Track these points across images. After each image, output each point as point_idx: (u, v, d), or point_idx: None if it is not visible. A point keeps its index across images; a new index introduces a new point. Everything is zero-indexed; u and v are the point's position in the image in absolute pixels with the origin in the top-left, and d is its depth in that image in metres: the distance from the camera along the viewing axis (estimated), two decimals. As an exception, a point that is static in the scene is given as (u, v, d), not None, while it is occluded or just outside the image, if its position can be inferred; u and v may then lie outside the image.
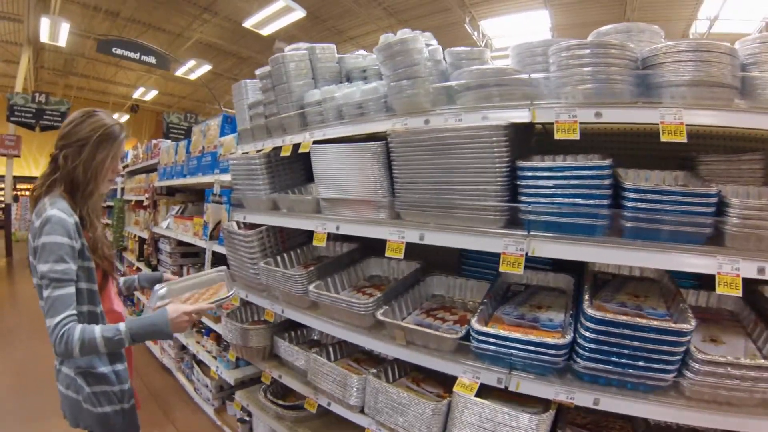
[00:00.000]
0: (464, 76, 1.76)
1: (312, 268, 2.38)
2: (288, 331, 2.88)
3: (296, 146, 2.39)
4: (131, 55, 11.38)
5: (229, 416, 3.79)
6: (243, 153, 2.96)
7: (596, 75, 1.48)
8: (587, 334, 1.48)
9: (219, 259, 3.68)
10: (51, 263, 1.58)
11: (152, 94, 18.70)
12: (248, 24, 11.26)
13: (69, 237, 1.62)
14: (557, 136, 1.52)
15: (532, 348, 1.56)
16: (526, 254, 1.58)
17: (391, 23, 12.17)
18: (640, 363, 1.43)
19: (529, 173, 1.60)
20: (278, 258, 2.66)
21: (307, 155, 2.29)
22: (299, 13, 10.32)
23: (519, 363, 1.60)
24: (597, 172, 1.50)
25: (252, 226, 2.81)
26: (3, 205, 14.39)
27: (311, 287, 2.24)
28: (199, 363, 4.26)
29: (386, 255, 1.89)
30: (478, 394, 1.67)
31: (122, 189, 7.36)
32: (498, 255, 2.12)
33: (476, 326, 1.66)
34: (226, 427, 3.73)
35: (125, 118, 20.53)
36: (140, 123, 20.48)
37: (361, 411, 2.09)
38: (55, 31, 11.51)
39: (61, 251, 1.59)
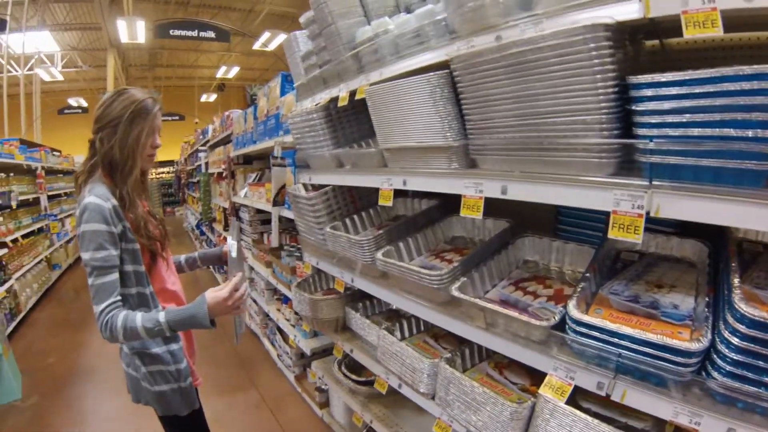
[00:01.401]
0: None
1: (380, 231, 2.02)
2: (363, 300, 2.58)
3: (353, 93, 2.01)
4: (189, 33, 11.39)
5: (308, 383, 3.73)
6: (302, 109, 2.62)
7: None
8: (734, 340, 0.97)
9: (292, 226, 3.51)
10: (91, 251, 1.55)
11: (234, 70, 19.11)
12: None
13: (107, 223, 1.57)
14: (687, 33, 0.97)
15: (651, 351, 1.08)
16: (647, 214, 1.07)
17: None
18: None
19: (650, 92, 1.06)
20: (347, 221, 2.34)
21: (373, 102, 1.92)
22: None
23: (629, 366, 1.13)
24: (758, 84, 0.92)
25: (320, 187, 2.52)
26: None
27: (379, 254, 1.89)
28: (280, 330, 4.20)
29: (461, 213, 1.47)
30: (570, 395, 1.24)
31: (206, 163, 7.51)
32: (604, 213, 1.65)
33: (575, 313, 1.21)
34: (305, 395, 3.67)
35: (213, 97, 21.49)
36: (228, 100, 21.15)
37: (433, 398, 1.75)
38: (133, 31, 11.93)
39: (99, 238, 1.56)
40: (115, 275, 1.60)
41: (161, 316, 1.56)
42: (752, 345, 0.95)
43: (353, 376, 2.64)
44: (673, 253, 1.56)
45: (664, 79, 1.05)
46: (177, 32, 11.18)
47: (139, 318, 1.55)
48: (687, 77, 1.02)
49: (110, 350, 5.06)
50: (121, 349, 1.80)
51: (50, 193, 9.41)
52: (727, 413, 0.99)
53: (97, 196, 1.59)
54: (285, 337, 4.01)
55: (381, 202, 1.89)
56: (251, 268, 5.05)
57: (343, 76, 2.16)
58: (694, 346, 1.02)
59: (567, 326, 1.25)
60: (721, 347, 1.01)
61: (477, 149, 1.47)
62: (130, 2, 11.91)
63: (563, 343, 1.28)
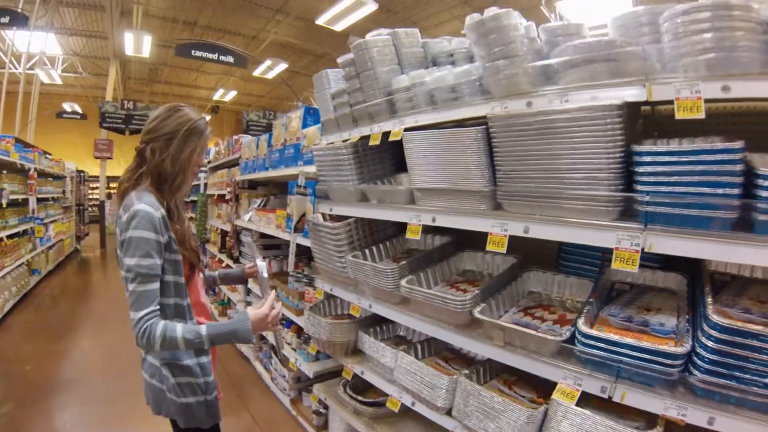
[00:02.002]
0: (568, 52, 1.58)
1: (403, 262, 2.29)
2: (373, 326, 2.82)
3: (386, 135, 2.31)
4: (210, 56, 11.80)
5: (304, 407, 3.84)
6: (328, 143, 2.91)
7: (720, 42, 1.26)
8: (709, 343, 1.29)
9: (303, 252, 3.74)
10: (138, 258, 1.60)
11: (231, 94, 19.63)
12: (321, 21, 11.39)
13: (155, 232, 1.63)
14: (679, 115, 1.32)
15: (646, 356, 1.39)
16: (642, 250, 1.41)
17: (465, 11, 11.92)
18: None
19: (648, 158, 1.41)
20: (366, 251, 2.59)
21: (396, 144, 2.21)
22: (371, 6, 10.27)
23: (627, 371, 1.43)
24: (727, 155, 1.29)
25: (338, 218, 2.77)
26: (98, 202, 15.91)
27: (403, 282, 2.15)
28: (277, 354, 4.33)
29: (487, 249, 1.76)
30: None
31: (205, 184, 7.69)
32: (600, 250, 1.98)
33: (583, 328, 1.52)
34: (300, 418, 3.78)
35: (207, 118, 21.66)
36: (221, 123, 21.54)
37: (448, 413, 1.98)
38: (139, 45, 12.50)
39: (147, 246, 1.61)
40: (157, 284, 1.65)
41: (203, 329, 1.62)
42: (724, 347, 1.27)
43: (359, 397, 2.84)
44: (658, 284, 1.92)
45: (659, 150, 1.41)
46: (198, 53, 11.58)
47: (179, 329, 1.60)
48: (676, 149, 1.39)
49: (90, 362, 5.21)
50: (145, 360, 1.83)
51: (39, 196, 9.41)
52: (707, 405, 1.30)
53: (148, 204, 1.65)
54: (283, 361, 4.15)
55: (408, 236, 2.16)
56: (248, 291, 5.21)
57: (375, 118, 2.45)
58: (680, 350, 1.35)
59: (576, 340, 1.55)
60: (700, 350, 1.32)
61: (504, 194, 1.78)
62: (140, 17, 12.32)
63: (570, 355, 1.58)
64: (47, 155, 10.99)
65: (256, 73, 15.45)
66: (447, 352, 2.40)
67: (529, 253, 2.27)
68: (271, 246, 4.95)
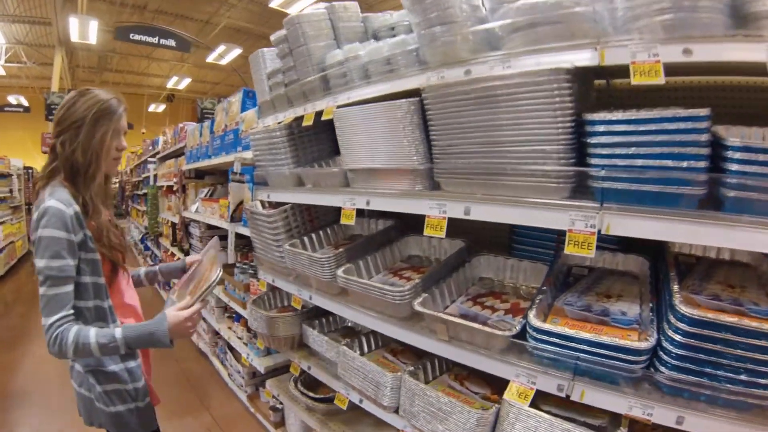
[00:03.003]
0: (510, 14, 1.36)
1: (341, 249, 2.07)
2: (319, 318, 2.60)
3: (319, 114, 2.07)
4: (150, 39, 11.19)
5: (262, 403, 3.66)
6: (264, 126, 2.66)
7: (679, 2, 1.08)
8: (677, 337, 1.12)
9: (246, 242, 3.48)
10: (47, 259, 1.46)
11: (186, 82, 18.85)
12: (275, 4, 11.02)
13: (66, 230, 1.48)
14: (635, 80, 1.13)
15: (606, 352, 1.21)
16: (599, 232, 1.21)
17: None
18: (743, 376, 1.07)
19: (602, 128, 1.21)
20: (305, 239, 2.36)
21: (333, 124, 1.98)
22: None
23: (586, 368, 1.25)
24: (692, 124, 1.10)
25: (277, 205, 2.52)
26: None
27: (339, 272, 1.94)
28: (232, 349, 4.11)
29: (425, 233, 1.55)
30: (531, 401, 1.35)
31: (155, 176, 7.31)
32: (555, 232, 1.75)
33: (535, 323, 1.32)
34: (259, 415, 3.59)
35: (162, 107, 20.92)
36: (177, 111, 20.74)
37: (396, 411, 1.79)
38: (85, 30, 11.66)
39: (57, 246, 1.47)
40: (70, 287, 1.51)
41: (118, 332, 1.48)
42: (693, 341, 1.10)
43: (311, 394, 2.64)
44: (618, 267, 1.73)
45: (614, 118, 1.21)
46: (137, 37, 10.97)
47: (93, 333, 1.46)
48: (633, 117, 1.18)
49: (46, 371, 4.79)
50: (72, 368, 1.69)
51: None
52: (675, 403, 1.14)
53: (59, 200, 1.50)
54: (237, 356, 3.92)
55: (343, 221, 1.94)
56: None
57: (310, 97, 2.21)
58: (643, 345, 1.17)
59: (528, 334, 1.36)
60: (666, 344, 1.15)
61: (441, 172, 1.56)
62: (85, 1, 11.51)
63: (524, 351, 1.39)
64: None
65: (210, 59, 14.90)
66: (396, 344, 2.18)
67: (480, 237, 2.07)
68: (220, 237, 4.65)
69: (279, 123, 2.43)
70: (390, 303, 1.71)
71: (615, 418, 1.35)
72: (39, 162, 17.04)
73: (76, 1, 11.51)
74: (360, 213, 2.12)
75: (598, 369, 1.23)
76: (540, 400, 1.41)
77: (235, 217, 3.18)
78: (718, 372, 1.09)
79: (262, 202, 2.68)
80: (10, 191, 11.75)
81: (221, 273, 1.69)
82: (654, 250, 1.64)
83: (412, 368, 1.76)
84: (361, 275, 1.98)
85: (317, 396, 2.62)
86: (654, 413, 1.15)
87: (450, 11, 1.46)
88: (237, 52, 14.34)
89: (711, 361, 1.09)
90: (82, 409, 1.70)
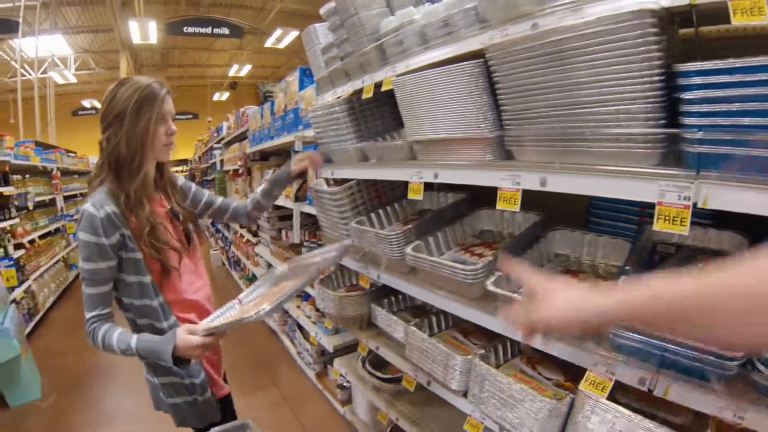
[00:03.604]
0: None
1: (410, 225, 2.00)
2: (388, 297, 2.56)
3: (378, 85, 1.99)
4: (203, 30, 11.40)
5: (329, 381, 3.75)
6: (323, 103, 2.60)
7: None
8: None
9: (313, 221, 3.52)
10: (81, 260, 1.53)
11: (246, 69, 19.23)
12: None
13: (96, 234, 1.49)
14: (735, 20, 0.96)
15: (697, 345, 1.05)
16: (694, 205, 1.03)
17: None
18: None
19: (698, 80, 1.03)
20: (372, 216, 2.32)
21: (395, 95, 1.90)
22: None
23: (673, 361, 1.10)
24: None
25: (342, 181, 2.50)
26: None
27: (408, 249, 1.87)
28: (301, 327, 4.20)
29: (498, 206, 1.44)
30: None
31: (221, 161, 7.56)
32: (639, 204, 1.60)
33: None
34: (326, 392, 3.68)
35: (226, 95, 21.72)
36: (240, 98, 21.22)
37: (465, 395, 1.73)
38: (145, 31, 12.01)
39: (88, 249, 1.51)
40: (103, 288, 1.55)
41: (133, 342, 1.51)
42: None
43: (378, 374, 2.64)
44: (710, 244, 1.52)
45: (714, 67, 1.02)
46: (191, 29, 11.25)
47: (115, 338, 1.51)
48: (738, 65, 0.98)
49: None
50: None
51: (66, 194, 9.58)
52: None
53: (93, 203, 1.52)
54: (306, 335, 4.01)
55: (411, 196, 1.86)
56: (268, 264, 5.03)
57: (367, 68, 2.14)
58: None
59: None
60: None
61: (513, 140, 1.44)
62: (141, 3, 12.06)
63: (603, 338, 1.25)
64: (70, 153, 11.12)
65: (268, 44, 15.09)
66: (467, 324, 2.09)
67: (555, 209, 1.92)
68: (286, 217, 4.77)
69: (338, 98, 2.38)
70: (461, 282, 1.62)
71: (699, 416, 1.19)
72: None
73: (133, 5, 12.06)
74: (429, 186, 2.05)
75: (686, 363, 1.08)
76: (617, 392, 1.30)
77: (300, 196, 3.19)
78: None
79: (327, 180, 2.66)
80: None
81: (286, 297, 1.49)
82: (753, 227, 1.39)
83: (482, 351, 1.68)
84: (431, 252, 1.91)
85: (384, 376, 2.62)
86: (747, 417, 1.00)
87: None
88: (294, 34, 14.43)
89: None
90: (151, 394, 1.76)
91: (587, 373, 1.27)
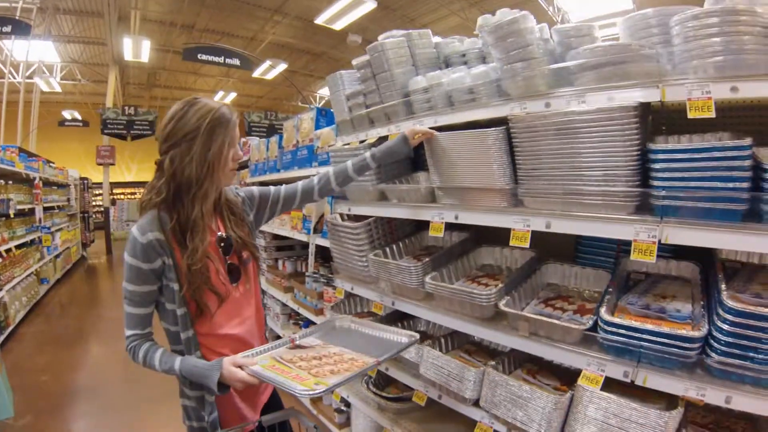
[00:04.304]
0: (584, 55, 1.69)
1: (426, 259, 2.39)
2: (395, 323, 2.90)
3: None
4: (216, 59, 12.05)
5: (324, 405, 3.89)
6: (344, 144, 3.02)
7: (728, 45, 1.37)
8: (725, 326, 1.40)
9: (319, 252, 3.84)
10: (125, 281, 1.57)
11: (231, 96, 19.82)
12: (320, 20, 11.63)
13: (136, 258, 1.53)
14: (691, 115, 1.44)
15: (665, 340, 1.49)
16: (659, 241, 1.52)
17: (463, 6, 12.24)
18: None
19: (662, 156, 1.52)
20: (387, 249, 2.68)
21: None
22: (370, 4, 10.49)
23: (648, 356, 1.54)
24: (737, 152, 1.40)
25: (355, 218, 2.87)
26: (102, 209, 16.32)
27: (427, 279, 2.26)
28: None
29: (511, 244, 1.88)
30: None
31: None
32: (615, 242, 2.12)
33: (605, 316, 1.62)
34: (321, 416, 3.84)
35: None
36: (223, 126, 21.64)
37: (475, 404, 2.09)
38: (138, 49, 12.68)
39: (129, 272, 1.55)
40: (143, 310, 1.59)
41: (176, 364, 1.54)
42: (738, 329, 1.38)
43: (383, 393, 2.93)
44: (671, 272, 2.03)
45: (673, 148, 1.53)
46: (205, 57, 11.81)
47: (157, 359, 1.56)
48: (689, 146, 1.50)
49: (107, 370, 5.29)
50: None
51: (45, 205, 9.57)
52: (724, 385, 1.40)
53: (138, 226, 1.55)
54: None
55: (432, 233, 2.27)
56: (263, 292, 5.27)
57: (392, 118, 2.56)
58: (697, 334, 1.45)
59: (599, 327, 1.66)
60: (716, 334, 1.43)
61: (526, 192, 1.90)
62: (138, 22, 12.48)
63: (593, 342, 1.69)
64: (51, 164, 11.20)
65: (256, 74, 15.64)
66: (469, 345, 2.50)
67: (545, 247, 2.38)
68: (283, 247, 5.11)
69: (362, 142, 2.78)
70: (477, 305, 2.03)
71: (670, 404, 1.62)
72: (92, 173, 18.55)
73: (129, 23, 12.57)
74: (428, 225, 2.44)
75: (658, 356, 1.50)
76: (603, 390, 1.67)
77: (317, 228, 3.52)
78: (760, 356, 1.35)
79: (341, 215, 3.02)
80: (68, 200, 12.64)
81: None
82: (703, 258, 1.93)
83: (493, 363, 2.07)
84: (444, 282, 2.30)
85: (390, 395, 2.88)
86: (706, 394, 1.42)
87: (530, 49, 1.80)
88: (283, 66, 15.06)
89: (754, 346, 1.36)
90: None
91: (582, 371, 1.68)
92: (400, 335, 1.84)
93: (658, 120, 1.94)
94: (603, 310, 1.66)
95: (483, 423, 2.06)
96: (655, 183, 1.54)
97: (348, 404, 3.35)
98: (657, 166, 1.54)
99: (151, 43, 12.71)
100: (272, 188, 2.02)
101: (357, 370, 1.52)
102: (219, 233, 1.71)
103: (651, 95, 1.53)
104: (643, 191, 1.58)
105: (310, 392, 1.36)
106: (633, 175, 1.60)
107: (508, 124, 1.88)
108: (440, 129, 2.20)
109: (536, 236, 1.86)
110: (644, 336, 1.54)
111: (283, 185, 2.06)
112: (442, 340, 2.45)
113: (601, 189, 1.65)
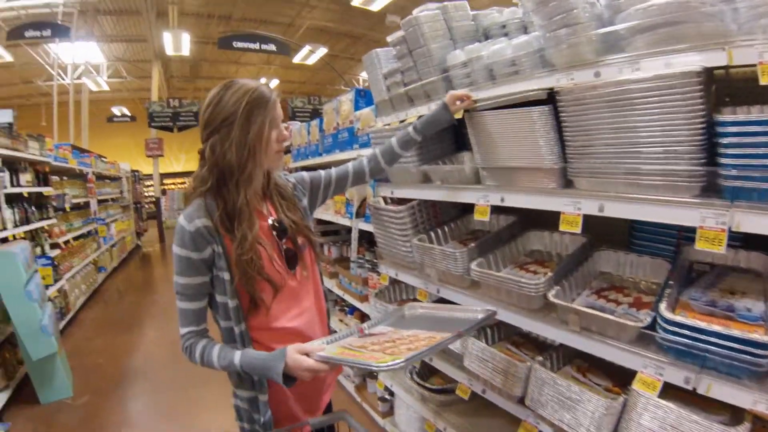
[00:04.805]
0: (637, 16, 1.49)
1: (472, 244, 2.26)
2: (441, 311, 2.82)
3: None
4: (251, 46, 12.23)
5: (369, 394, 3.90)
6: (384, 125, 2.92)
7: None
8: None
9: (362, 236, 3.79)
10: (175, 275, 1.52)
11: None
12: (356, 2, 11.62)
13: (185, 247, 1.48)
14: (764, 80, 1.23)
15: (734, 345, 1.30)
16: (729, 229, 1.32)
17: None
18: None
19: (733, 129, 1.32)
20: (432, 234, 2.57)
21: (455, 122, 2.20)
22: None
23: (713, 361, 1.35)
24: None
25: (400, 201, 2.76)
26: (154, 199, 17.16)
27: (473, 265, 2.13)
28: (342, 340, 4.41)
29: (560, 228, 1.73)
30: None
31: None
32: (676, 228, 1.90)
33: (667, 314, 1.44)
34: (365, 404, 3.86)
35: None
36: (267, 111, 22.04)
37: (520, 401, 1.98)
38: (178, 43, 13.05)
39: (180, 264, 1.51)
40: (197, 304, 1.55)
41: (236, 359, 1.48)
42: None
43: (426, 384, 2.88)
44: (740, 264, 1.80)
45: (746, 119, 1.32)
46: (240, 44, 12.02)
47: (215, 354, 1.51)
48: (764, 117, 1.29)
49: (160, 353, 5.57)
50: None
51: (99, 198, 10.24)
52: None
53: (185, 215, 1.50)
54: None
55: (477, 217, 2.14)
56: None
57: (432, 96, 2.43)
58: None
59: (658, 326, 1.48)
60: None
61: (575, 171, 1.73)
62: (176, 16, 12.81)
63: (651, 342, 1.52)
64: (102, 159, 11.87)
65: (296, 59, 15.78)
66: (517, 337, 2.38)
67: (596, 231, 2.18)
68: (329, 232, 5.10)
69: (401, 122, 2.68)
70: (524, 295, 1.89)
71: (734, 416, 1.43)
72: (143, 165, 19.37)
73: (167, 18, 12.97)
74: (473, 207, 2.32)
75: (725, 362, 1.32)
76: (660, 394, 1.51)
77: (360, 213, 3.45)
78: None
79: (385, 199, 2.93)
80: (120, 192, 13.37)
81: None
82: None
83: (541, 359, 1.93)
84: (490, 268, 2.17)
85: (433, 387, 2.83)
86: None
87: (574, 13, 1.61)
88: (323, 51, 15.10)
89: None
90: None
91: (638, 374, 1.52)
92: (475, 312, 1.73)
93: (721, 90, 1.71)
94: (663, 306, 1.48)
95: (528, 422, 1.95)
96: (724, 161, 1.34)
97: (392, 393, 3.30)
98: (726, 140, 1.34)
99: (190, 36, 13.04)
100: (322, 171, 1.96)
101: (437, 342, 1.42)
102: (271, 218, 1.65)
103: (716, 59, 1.32)
104: (710, 170, 1.39)
105: (389, 365, 1.26)
106: (698, 152, 1.41)
107: (555, 97, 1.72)
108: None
109: (587, 219, 1.70)
110: (710, 338, 1.35)
111: (333, 167, 2.00)
112: (488, 330, 2.34)
113: (661, 168, 1.47)
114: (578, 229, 1.69)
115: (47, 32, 10.80)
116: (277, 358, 1.41)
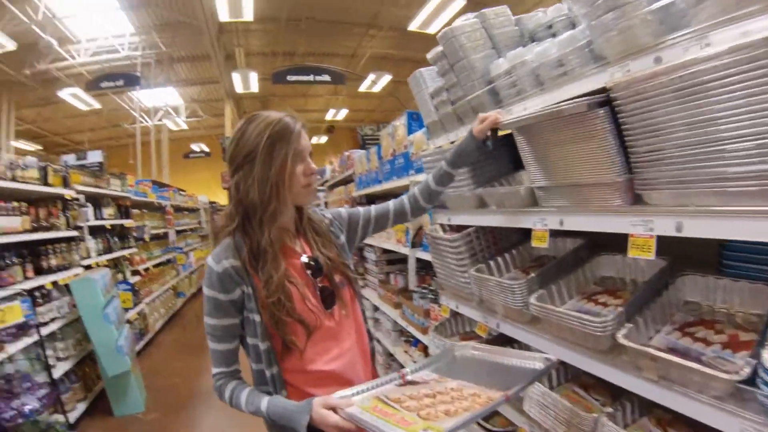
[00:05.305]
0: None
1: (532, 274, 1.99)
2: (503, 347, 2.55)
3: (494, 130, 2.02)
4: (305, 78, 12.48)
5: None
6: (435, 147, 2.73)
7: None
8: None
9: (429, 265, 3.60)
10: (205, 315, 1.50)
11: (343, 113, 20.63)
12: (413, 27, 11.64)
13: (213, 288, 1.46)
14: None
15: None
16: None
17: None
18: None
19: None
20: (491, 263, 2.32)
21: (512, 137, 1.97)
22: (460, 2, 10.15)
23: None
24: None
25: (458, 228, 2.55)
26: None
27: (532, 299, 1.85)
28: (405, 374, 4.23)
29: (629, 254, 1.41)
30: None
31: (326, 203, 8.00)
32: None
33: None
34: None
35: (324, 139, 23.29)
36: (338, 142, 22.56)
37: (588, 457, 1.65)
38: (247, 81, 13.91)
39: (209, 304, 1.49)
40: (226, 345, 1.52)
41: (263, 405, 1.44)
42: None
43: (487, 425, 2.62)
44: None
45: None
46: (294, 78, 12.37)
47: (243, 398, 1.47)
48: None
49: None
50: None
51: (177, 228, 11.11)
52: None
53: (213, 256, 1.48)
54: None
55: (535, 244, 1.88)
56: (375, 308, 5.14)
57: (480, 111, 2.19)
58: None
59: (759, 379, 1.13)
60: None
61: (643, 183, 1.42)
62: (243, 57, 13.67)
63: (751, 399, 1.15)
64: (181, 192, 12.86)
65: (362, 88, 16.13)
66: (587, 377, 2.04)
67: (679, 252, 1.78)
68: (394, 260, 4.98)
69: (452, 143, 2.48)
70: (590, 334, 1.59)
71: None
72: (220, 197, 20.53)
73: (235, 59, 13.97)
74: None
75: None
76: None
77: (416, 242, 3.28)
78: None
79: (443, 226, 2.73)
80: (199, 223, 14.44)
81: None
82: None
83: (610, 410, 1.62)
84: (553, 301, 1.90)
85: (496, 428, 2.58)
86: None
87: None
88: (387, 78, 15.35)
89: None
90: None
91: (736, 444, 1.17)
92: (533, 360, 1.55)
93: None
94: (766, 354, 1.12)
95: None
96: None
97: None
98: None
99: (257, 74, 13.85)
100: (361, 209, 1.91)
101: (479, 410, 1.24)
102: (305, 255, 1.59)
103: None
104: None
105: None
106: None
107: (609, 95, 1.41)
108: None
109: (665, 238, 1.37)
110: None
111: (373, 206, 1.95)
112: (553, 371, 2.05)
113: (753, 169, 1.12)
114: (652, 255, 1.37)
115: (120, 82, 12.00)
116: (303, 410, 1.34)
